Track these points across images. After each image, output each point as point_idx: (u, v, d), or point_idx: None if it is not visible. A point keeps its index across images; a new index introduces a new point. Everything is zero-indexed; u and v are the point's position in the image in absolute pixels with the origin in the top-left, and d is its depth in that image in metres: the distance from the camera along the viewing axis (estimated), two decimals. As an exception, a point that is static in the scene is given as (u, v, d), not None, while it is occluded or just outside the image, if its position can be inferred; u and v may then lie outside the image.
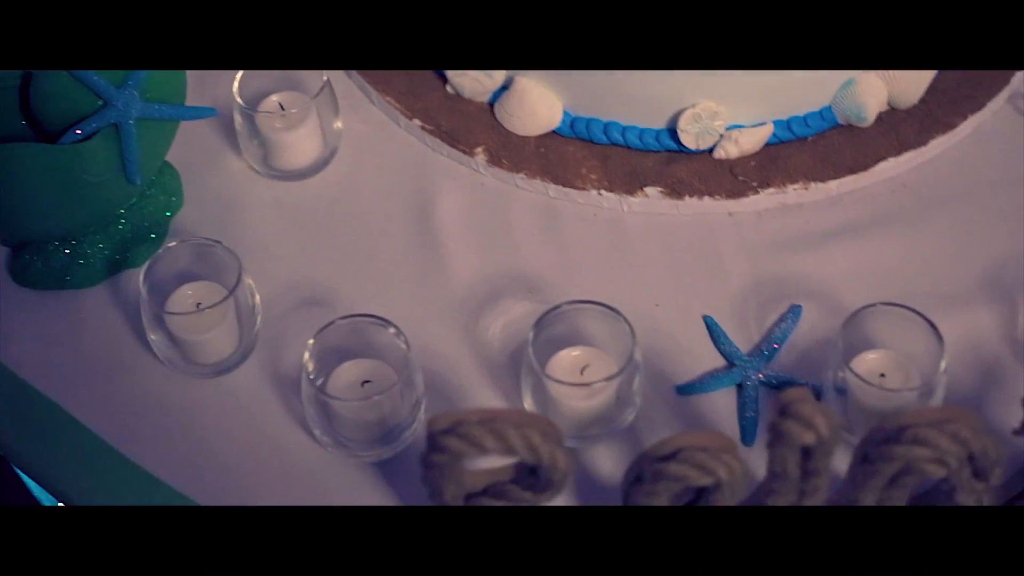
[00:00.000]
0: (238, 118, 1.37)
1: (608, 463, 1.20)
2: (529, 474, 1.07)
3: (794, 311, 1.27)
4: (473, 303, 1.30)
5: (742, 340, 1.27)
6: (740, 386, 1.24)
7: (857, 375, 1.16)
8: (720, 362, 1.26)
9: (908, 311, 1.18)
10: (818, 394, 1.21)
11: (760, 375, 1.23)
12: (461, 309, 1.30)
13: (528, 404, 1.20)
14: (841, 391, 1.18)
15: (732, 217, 1.35)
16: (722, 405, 1.23)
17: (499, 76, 1.39)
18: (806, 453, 1.04)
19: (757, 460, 1.08)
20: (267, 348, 1.28)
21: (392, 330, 1.20)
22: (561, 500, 1.17)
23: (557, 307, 1.20)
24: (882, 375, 1.18)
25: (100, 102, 1.27)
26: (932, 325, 1.17)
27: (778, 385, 1.23)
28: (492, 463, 1.08)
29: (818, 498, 1.08)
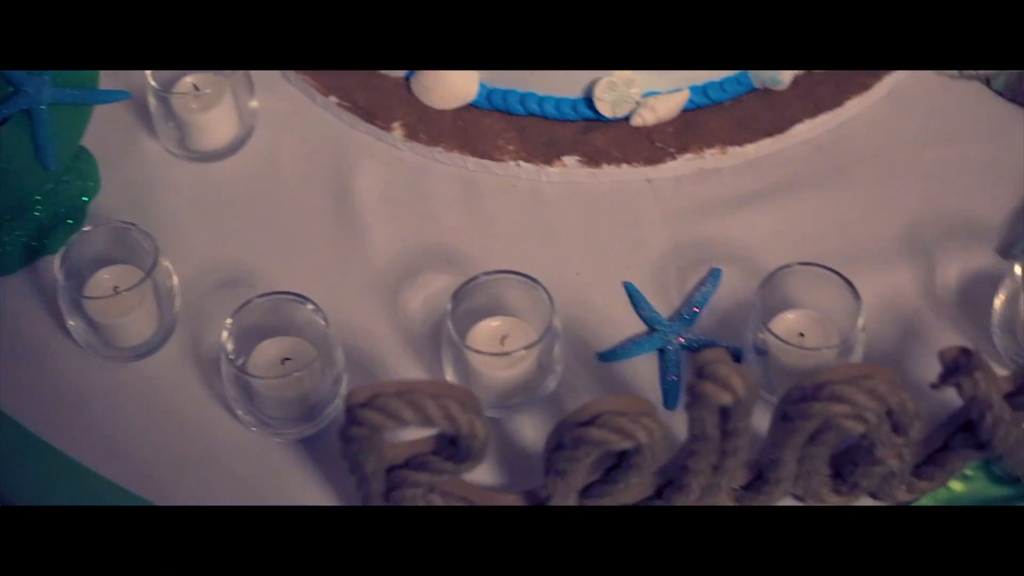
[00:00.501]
0: (153, 101, 1.36)
1: (532, 432, 1.20)
2: (449, 444, 1.06)
3: (714, 275, 1.28)
4: (394, 277, 1.30)
5: (663, 305, 1.27)
6: (661, 351, 1.24)
7: (775, 335, 1.16)
8: (641, 328, 1.26)
9: (825, 270, 1.19)
10: (738, 356, 1.21)
11: (681, 339, 1.23)
12: (382, 284, 1.29)
13: (450, 376, 1.20)
14: (761, 352, 1.18)
15: (651, 184, 1.35)
16: (644, 370, 1.23)
17: (414, 50, 1.38)
18: (724, 414, 1.04)
19: (680, 423, 1.08)
20: (188, 330, 1.27)
21: (310, 307, 1.19)
22: (485, 470, 1.17)
23: (474, 278, 1.19)
24: (801, 334, 1.19)
25: (11, 88, 1.26)
26: (849, 283, 1.17)
27: (699, 348, 1.23)
28: (414, 435, 1.08)
29: (739, 458, 1.09)
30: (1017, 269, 1.20)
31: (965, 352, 1.06)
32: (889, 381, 1.04)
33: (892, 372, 1.05)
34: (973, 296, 1.26)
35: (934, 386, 1.07)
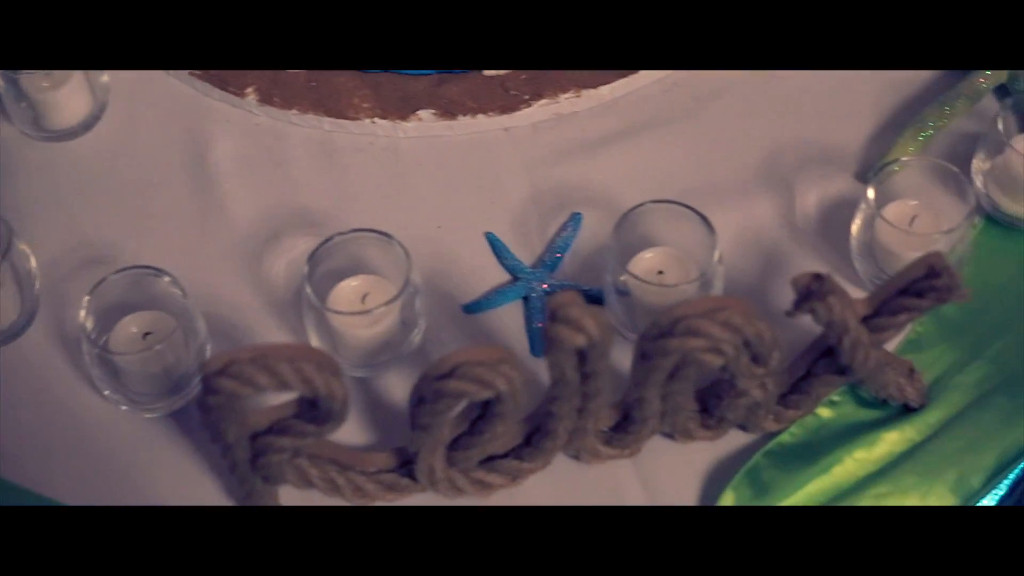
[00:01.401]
0: (2, 83, 1.34)
1: (401, 388, 1.20)
2: (310, 407, 1.06)
3: (575, 219, 1.27)
4: (255, 244, 1.28)
5: (526, 253, 1.27)
6: (526, 298, 1.23)
7: (633, 275, 1.16)
8: (505, 277, 1.25)
9: (679, 206, 1.18)
10: (600, 298, 1.20)
11: (544, 285, 1.23)
12: (244, 251, 1.28)
13: (313, 339, 1.19)
14: (622, 292, 1.18)
15: (508, 132, 1.34)
16: (510, 319, 1.23)
17: (263, 13, 1.37)
18: (582, 356, 1.04)
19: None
20: (51, 312, 1.26)
21: (167, 279, 1.18)
22: (356, 430, 1.17)
23: (329, 239, 1.18)
24: (660, 272, 1.19)
25: None
26: (703, 217, 1.17)
27: (563, 294, 1.22)
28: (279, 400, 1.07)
29: (602, 400, 1.09)
30: (870, 192, 1.20)
31: (817, 277, 1.07)
32: (744, 312, 1.04)
33: (747, 302, 1.05)
34: (834, 222, 1.27)
35: (789, 313, 1.07)
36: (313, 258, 1.17)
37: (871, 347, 1.10)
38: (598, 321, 1.01)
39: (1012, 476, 1.14)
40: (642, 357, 1.07)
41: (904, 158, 1.25)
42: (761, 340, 1.05)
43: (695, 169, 1.31)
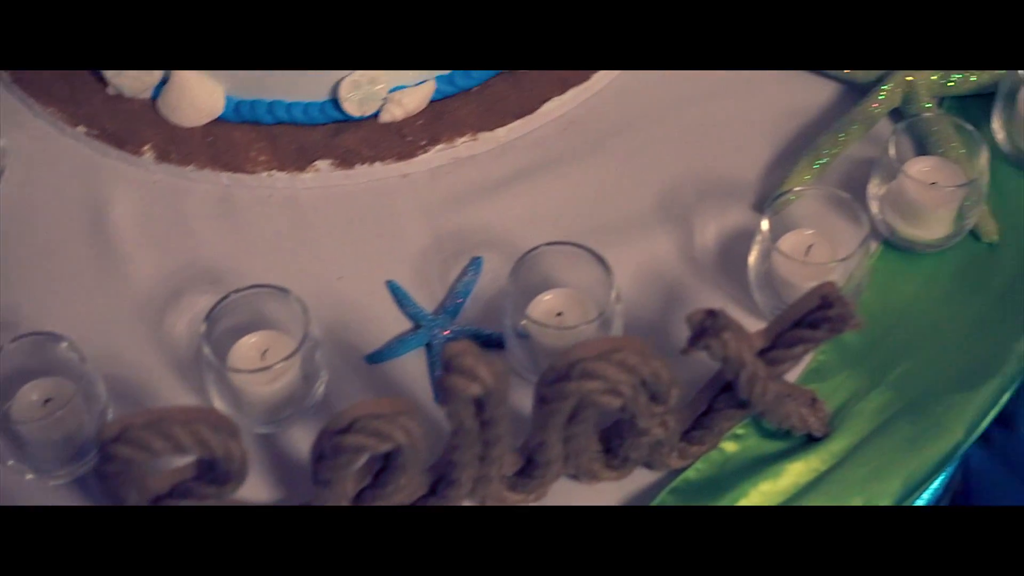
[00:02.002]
0: None
1: (306, 443, 1.18)
2: (209, 468, 1.05)
3: (475, 263, 1.27)
4: (157, 303, 1.28)
5: (428, 300, 1.26)
6: (429, 345, 1.23)
7: (530, 318, 1.16)
8: (408, 325, 1.25)
9: (574, 247, 1.18)
10: (501, 342, 1.20)
11: (446, 332, 1.23)
12: (145, 311, 1.27)
13: (215, 397, 1.18)
14: (523, 336, 1.18)
15: (406, 178, 1.34)
16: (413, 367, 1.23)
17: (157, 70, 1.36)
18: (480, 404, 1.04)
19: (450, 417, 1.07)
20: (-50, 382, 1.24)
21: (65, 344, 1.17)
22: (263, 487, 1.16)
23: (225, 297, 1.18)
24: (559, 314, 1.18)
25: None
26: (598, 257, 1.17)
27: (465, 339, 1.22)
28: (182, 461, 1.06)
29: (503, 446, 1.08)
30: (764, 224, 1.20)
31: (711, 314, 1.07)
32: (640, 351, 1.04)
33: (643, 342, 1.05)
34: (733, 254, 1.27)
35: (684, 351, 1.07)
36: (210, 317, 1.17)
37: (769, 380, 1.10)
38: (493, 369, 1.01)
39: (919, 502, 1.14)
40: (541, 401, 1.07)
41: (799, 187, 1.26)
42: (658, 379, 1.05)
43: (595, 207, 1.31)
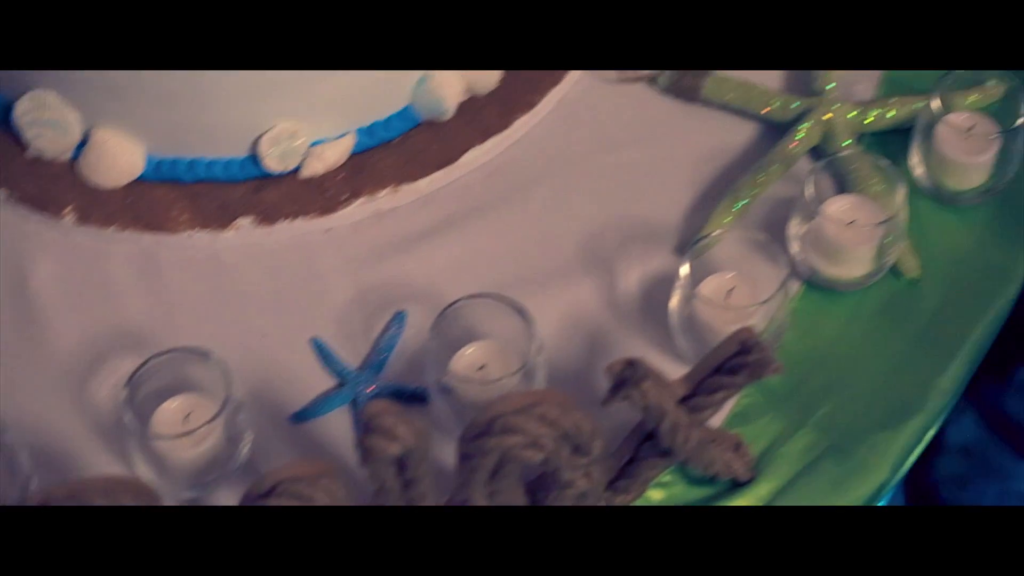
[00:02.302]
0: None
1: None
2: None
3: (398, 317, 1.27)
4: (79, 369, 1.27)
5: (353, 355, 1.26)
6: (354, 402, 1.23)
7: (452, 373, 1.16)
8: (333, 382, 1.25)
9: (493, 299, 1.18)
10: (425, 397, 1.20)
11: (371, 388, 1.22)
12: (68, 377, 1.26)
13: (139, 464, 1.17)
14: (446, 390, 1.18)
15: (329, 233, 1.34)
16: (338, 424, 1.22)
17: (76, 131, 1.35)
18: (401, 464, 1.03)
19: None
20: None
21: (-18, 415, 1.17)
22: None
23: (146, 362, 1.17)
24: (482, 367, 1.18)
25: None
26: (518, 308, 1.17)
27: (389, 395, 1.22)
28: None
29: (428, 502, 1.08)
30: (683, 269, 1.20)
31: (630, 364, 1.07)
32: (560, 404, 1.04)
33: (562, 395, 1.05)
34: (656, 300, 1.27)
35: (604, 402, 1.07)
36: (132, 382, 1.16)
37: (692, 428, 1.10)
38: (413, 427, 1.01)
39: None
40: (463, 458, 1.06)
41: (719, 231, 1.26)
42: (580, 431, 1.05)
43: (518, 256, 1.31)
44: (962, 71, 1.34)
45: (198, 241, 1.33)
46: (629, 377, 1.06)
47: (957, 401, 1.23)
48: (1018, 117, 1.31)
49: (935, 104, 1.30)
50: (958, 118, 1.31)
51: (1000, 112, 1.33)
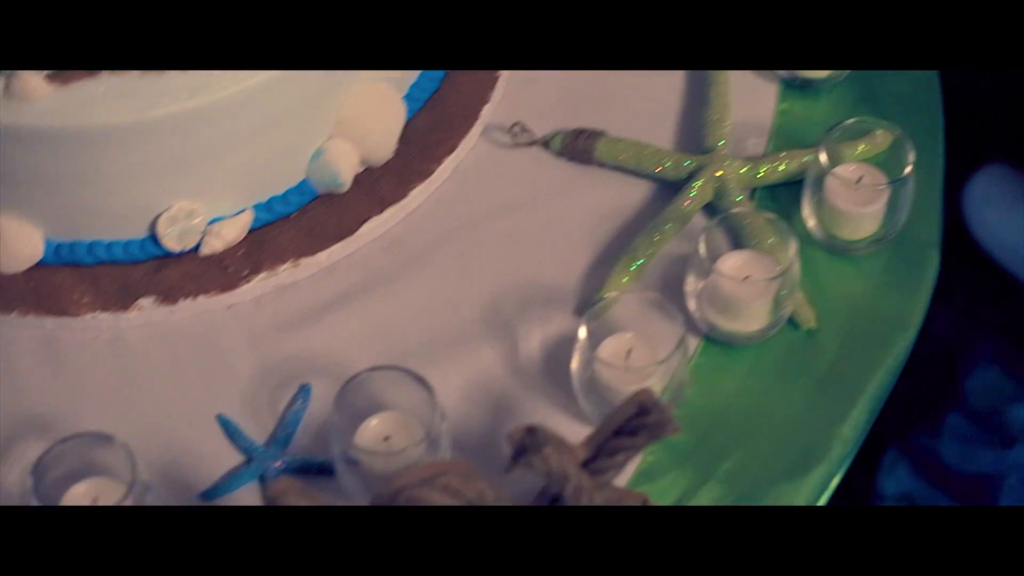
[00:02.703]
0: None
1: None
2: None
3: (304, 391, 1.27)
4: (-16, 458, 1.27)
5: (259, 431, 1.26)
6: (262, 477, 1.23)
7: (356, 445, 1.17)
8: (241, 459, 1.25)
9: (394, 371, 1.19)
10: (331, 469, 1.21)
11: (278, 463, 1.23)
12: (-28, 467, 1.26)
13: (47, 550, 1.17)
14: (352, 462, 1.18)
15: (231, 309, 1.34)
16: (247, 502, 1.23)
17: (-26, 220, 1.36)
18: (307, 540, 1.04)
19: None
20: None
21: None
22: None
23: (49, 449, 1.17)
24: (387, 438, 1.19)
25: None
26: (418, 379, 1.18)
27: (297, 470, 1.22)
28: None
29: None
30: (582, 332, 1.22)
31: (530, 431, 1.08)
32: (463, 473, 1.06)
33: (465, 464, 1.06)
34: (558, 362, 1.28)
35: (507, 470, 1.08)
36: (37, 469, 1.16)
37: (595, 489, 1.11)
38: (318, 503, 1.02)
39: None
40: (370, 531, 1.07)
41: (616, 291, 1.28)
42: (483, 499, 1.06)
43: (420, 324, 1.32)
44: (849, 122, 1.36)
45: (101, 323, 1.34)
46: (530, 444, 1.07)
47: (888, 452, 1.25)
48: (906, 166, 1.33)
49: (823, 157, 1.32)
50: (846, 170, 1.34)
51: (888, 162, 1.36)
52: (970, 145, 1.59)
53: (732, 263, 1.28)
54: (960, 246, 1.78)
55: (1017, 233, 1.88)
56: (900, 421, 1.50)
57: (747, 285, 1.27)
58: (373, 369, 1.20)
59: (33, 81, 1.27)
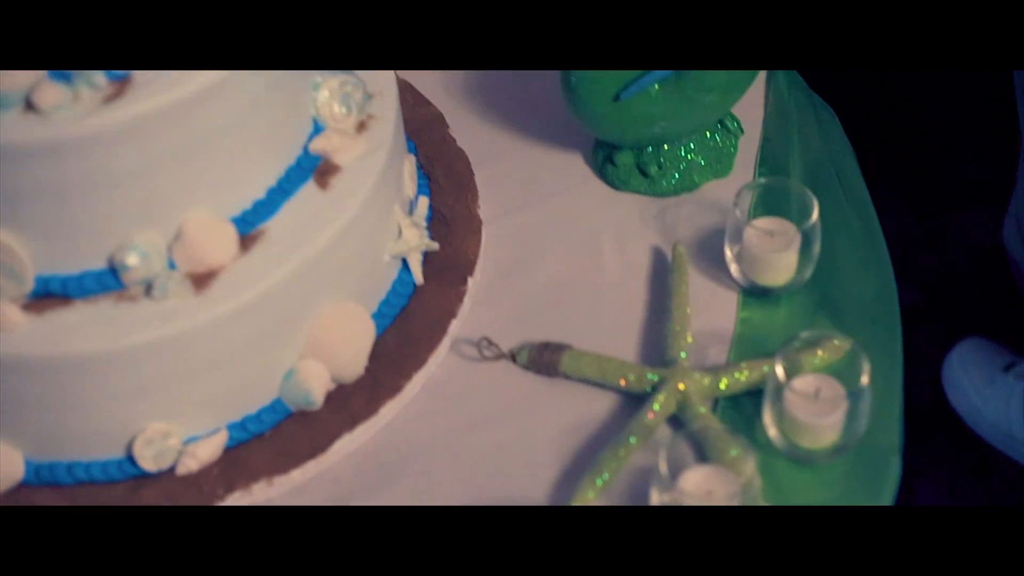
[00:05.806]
0: None
1: None
2: None
3: (276, 612, 1.29)
4: None
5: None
6: None
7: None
8: None
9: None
10: None
11: None
12: None
13: None
14: None
15: (207, 529, 1.37)
16: None
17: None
18: None
19: None
20: None
21: None
22: None
23: None
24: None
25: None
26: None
27: None
28: None
29: None
30: (547, 554, 1.24)
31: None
32: None
33: None
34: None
35: None
36: None
37: None
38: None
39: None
40: None
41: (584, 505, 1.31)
42: None
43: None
44: (805, 334, 1.40)
45: (79, 544, 1.36)
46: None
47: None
48: (862, 375, 1.36)
49: (780, 372, 1.36)
50: (804, 383, 1.37)
51: (846, 371, 1.39)
52: (949, 319, 1.63)
53: (693, 480, 1.31)
54: (942, 420, 1.80)
55: (995, 404, 1.91)
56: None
57: (710, 501, 1.29)
58: (343, 597, 1.22)
59: (9, 311, 1.31)
